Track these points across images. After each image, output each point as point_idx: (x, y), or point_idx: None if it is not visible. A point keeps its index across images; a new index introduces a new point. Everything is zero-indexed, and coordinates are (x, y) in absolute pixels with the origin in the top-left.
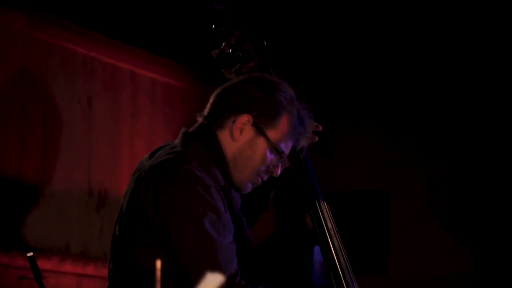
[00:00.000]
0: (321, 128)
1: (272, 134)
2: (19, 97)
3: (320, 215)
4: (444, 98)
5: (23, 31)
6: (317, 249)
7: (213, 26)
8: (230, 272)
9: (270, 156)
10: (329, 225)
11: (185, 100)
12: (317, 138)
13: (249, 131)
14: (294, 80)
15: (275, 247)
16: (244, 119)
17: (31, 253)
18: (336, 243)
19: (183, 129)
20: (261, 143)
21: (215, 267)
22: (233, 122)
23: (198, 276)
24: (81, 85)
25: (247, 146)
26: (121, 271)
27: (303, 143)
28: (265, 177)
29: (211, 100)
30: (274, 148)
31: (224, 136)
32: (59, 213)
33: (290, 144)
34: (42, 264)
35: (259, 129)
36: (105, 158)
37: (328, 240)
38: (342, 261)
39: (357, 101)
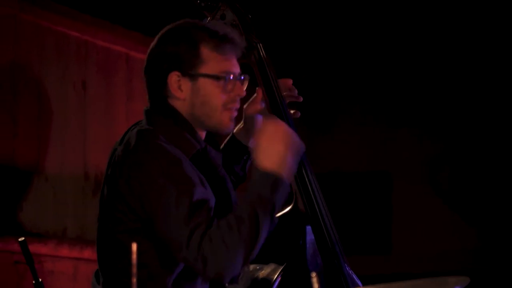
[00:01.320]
0: (301, 99)
1: (205, 68)
2: (11, 81)
3: (312, 195)
4: (444, 74)
5: (14, 14)
6: (309, 228)
7: (199, 0)
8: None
9: (221, 87)
10: (320, 205)
11: None
12: (299, 113)
13: (186, 83)
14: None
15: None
16: (173, 77)
17: (23, 238)
18: (327, 223)
19: (144, 108)
20: (203, 84)
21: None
22: (168, 85)
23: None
24: (75, 68)
25: (195, 96)
26: (109, 256)
27: (241, 51)
28: (236, 105)
29: (144, 77)
30: (217, 78)
31: (174, 101)
32: (54, 198)
33: (232, 62)
34: (38, 248)
35: (191, 74)
36: (100, 141)
37: (319, 220)
38: (333, 240)
39: (357, 80)
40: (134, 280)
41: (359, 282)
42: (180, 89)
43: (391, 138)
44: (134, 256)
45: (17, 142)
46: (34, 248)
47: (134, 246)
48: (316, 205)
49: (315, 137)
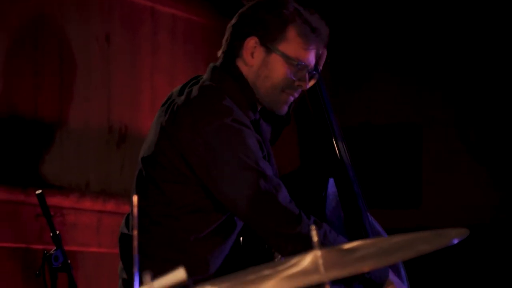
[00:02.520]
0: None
1: (284, 47)
2: (34, 35)
3: (335, 147)
4: (480, 34)
5: None
6: (331, 181)
7: None
8: (279, 200)
9: (289, 71)
10: (344, 158)
11: (206, 35)
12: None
13: (260, 52)
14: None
15: (295, 179)
16: (251, 42)
17: (40, 191)
18: (351, 176)
19: (211, 64)
20: (275, 60)
21: (263, 198)
22: (243, 48)
23: (251, 209)
24: (98, 22)
25: (263, 67)
26: (147, 203)
27: (322, 47)
28: (295, 94)
29: (226, 33)
30: (290, 60)
31: (242, 65)
32: (77, 150)
33: (310, 56)
34: (60, 201)
35: (268, 47)
36: (125, 94)
37: (342, 172)
38: (356, 193)
39: (391, 33)
40: (135, 232)
41: (384, 234)
42: (252, 56)
43: (422, 92)
44: (135, 209)
45: (40, 95)
46: (57, 201)
47: (135, 199)
48: (339, 157)
49: (347, 89)
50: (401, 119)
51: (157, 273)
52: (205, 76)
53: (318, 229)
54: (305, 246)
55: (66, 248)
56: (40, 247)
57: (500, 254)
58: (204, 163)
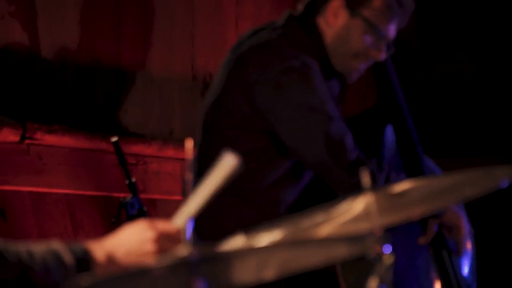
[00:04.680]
0: None
1: (367, 13)
2: None
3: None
4: None
5: None
6: (389, 129)
7: None
8: (346, 145)
9: (368, 39)
10: (402, 105)
11: None
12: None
13: (343, 15)
14: None
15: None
16: (337, 2)
17: (116, 138)
18: (409, 123)
19: (288, 12)
20: (357, 25)
21: (332, 142)
22: (328, 8)
23: (318, 153)
24: None
25: (344, 31)
26: (211, 150)
27: (404, 21)
28: (368, 62)
29: None
30: (372, 28)
31: (322, 23)
32: (160, 99)
33: (391, 28)
34: (143, 149)
35: (353, 10)
36: (209, 42)
37: (401, 120)
38: (414, 140)
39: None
40: (190, 176)
41: None
42: (335, 16)
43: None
44: (189, 153)
45: (123, 44)
46: (139, 149)
47: (189, 144)
48: (398, 105)
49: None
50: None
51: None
52: (279, 22)
53: (380, 173)
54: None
55: (149, 196)
56: (121, 195)
57: None
58: (272, 106)
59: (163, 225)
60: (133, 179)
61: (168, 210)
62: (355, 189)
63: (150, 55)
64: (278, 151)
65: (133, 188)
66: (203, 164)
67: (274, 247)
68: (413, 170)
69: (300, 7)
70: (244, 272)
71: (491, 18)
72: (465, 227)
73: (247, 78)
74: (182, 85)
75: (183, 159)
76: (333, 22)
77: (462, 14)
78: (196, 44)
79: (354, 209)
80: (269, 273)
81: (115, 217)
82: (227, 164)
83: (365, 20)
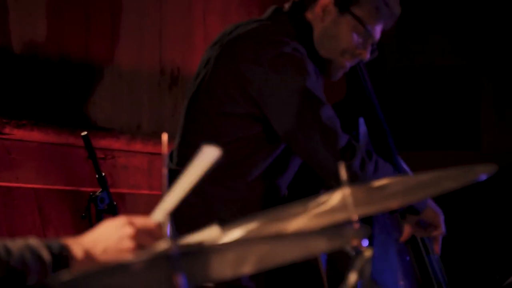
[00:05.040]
0: None
1: (357, 12)
2: None
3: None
4: None
5: None
6: (361, 120)
7: None
8: (337, 131)
9: (356, 37)
10: (373, 97)
11: None
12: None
13: (333, 12)
14: None
15: None
16: (327, 0)
17: (85, 132)
18: (380, 115)
19: (274, 7)
20: (345, 22)
21: (323, 128)
22: (317, 4)
23: (309, 139)
24: None
25: (331, 26)
26: (195, 136)
27: (390, 24)
28: (354, 61)
29: None
30: (361, 26)
31: (311, 18)
32: (128, 92)
33: (378, 28)
34: (111, 143)
35: (343, 8)
36: (177, 36)
37: (372, 111)
38: (386, 131)
39: None
40: (165, 170)
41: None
42: (323, 13)
43: (481, 34)
44: (165, 147)
45: (91, 38)
46: (107, 143)
47: (165, 137)
48: (368, 96)
49: (406, 33)
50: (459, 61)
51: (205, 211)
52: (265, 15)
53: (370, 160)
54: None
55: (118, 190)
56: (89, 189)
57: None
58: (264, 92)
59: (142, 221)
60: (103, 174)
61: (136, 204)
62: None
63: (119, 49)
64: (268, 138)
65: (103, 182)
66: (189, 151)
67: (252, 240)
68: (386, 160)
69: (287, 5)
70: (222, 267)
71: (464, 10)
72: (443, 226)
73: (237, 65)
74: (150, 79)
75: (151, 153)
76: (322, 18)
77: (434, 5)
78: (164, 38)
79: (331, 201)
80: (247, 268)
81: (84, 211)
82: (206, 156)
83: (355, 18)
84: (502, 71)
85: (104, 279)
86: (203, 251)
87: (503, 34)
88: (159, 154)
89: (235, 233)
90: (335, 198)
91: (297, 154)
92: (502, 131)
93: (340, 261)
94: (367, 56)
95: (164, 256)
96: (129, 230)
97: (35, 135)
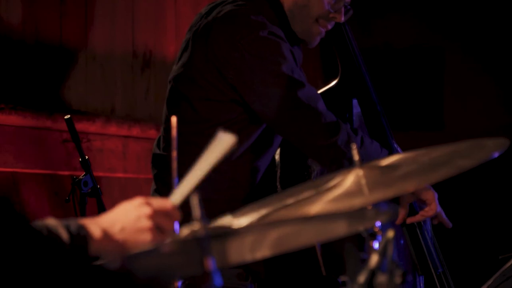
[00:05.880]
0: None
1: None
2: None
3: (358, 68)
4: None
5: None
6: (355, 102)
7: None
8: (319, 109)
9: (327, 2)
10: (366, 78)
11: None
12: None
13: None
14: None
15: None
16: None
17: (68, 116)
18: (373, 96)
19: None
20: None
21: (303, 108)
22: None
23: (290, 120)
24: None
25: None
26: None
27: None
28: (329, 26)
29: None
30: None
31: None
32: (103, 76)
33: None
34: (86, 127)
35: None
36: (149, 19)
37: (366, 93)
38: (380, 112)
39: None
40: (175, 153)
41: None
42: None
43: (444, 14)
44: (174, 130)
45: (65, 22)
46: (83, 126)
47: (174, 120)
48: (362, 78)
49: (368, 13)
50: (422, 42)
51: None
52: None
53: (356, 136)
54: (345, 155)
55: (93, 173)
56: (67, 173)
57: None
58: (241, 75)
59: (159, 202)
60: (86, 157)
61: (111, 187)
62: (329, 154)
63: (92, 32)
64: (249, 119)
65: (86, 165)
66: (167, 133)
67: (273, 224)
68: (380, 141)
69: None
70: (241, 250)
71: None
72: (437, 204)
73: (214, 50)
74: (123, 62)
75: (125, 136)
76: None
77: None
78: (136, 21)
79: (344, 183)
80: (265, 251)
81: (68, 195)
82: (222, 142)
83: None
84: (464, 50)
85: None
86: (230, 233)
87: (465, 14)
88: (134, 137)
89: (249, 218)
90: (348, 180)
91: (283, 137)
92: (465, 111)
93: (335, 242)
94: (342, 18)
95: (196, 239)
96: (146, 210)
97: (12, 119)
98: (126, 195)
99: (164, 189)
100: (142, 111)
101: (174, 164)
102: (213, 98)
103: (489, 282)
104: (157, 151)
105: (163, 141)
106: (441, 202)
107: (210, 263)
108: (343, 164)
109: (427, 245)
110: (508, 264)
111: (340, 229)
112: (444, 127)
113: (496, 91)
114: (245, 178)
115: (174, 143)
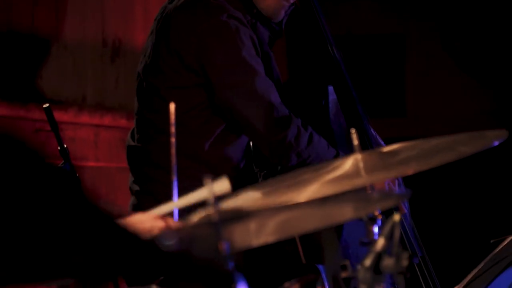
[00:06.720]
0: None
1: None
2: None
3: (332, 54)
4: None
5: None
6: (330, 88)
7: None
8: (272, 101)
9: None
10: (341, 65)
11: None
12: None
13: None
14: None
15: (291, 90)
16: None
17: (47, 104)
18: (349, 82)
19: None
20: None
21: (258, 97)
22: None
23: (244, 107)
24: None
25: None
26: (148, 112)
27: None
28: (291, 0)
29: None
30: None
31: None
32: (74, 65)
33: None
34: (59, 116)
35: None
36: (118, 8)
37: (341, 79)
38: (355, 99)
39: None
40: (173, 139)
41: (381, 142)
42: None
43: (404, 0)
44: (173, 116)
45: (37, 11)
46: (56, 115)
47: (172, 106)
48: (337, 65)
49: (329, 0)
50: (383, 29)
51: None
52: None
53: (306, 131)
54: (294, 150)
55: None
56: None
57: (489, 163)
58: (201, 62)
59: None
60: (65, 145)
61: (83, 176)
62: (278, 147)
63: (64, 21)
64: (216, 107)
65: (65, 154)
66: (146, 129)
67: (276, 208)
68: (356, 127)
69: None
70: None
71: None
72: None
73: (175, 37)
74: (93, 51)
75: (97, 125)
76: None
77: None
78: (106, 10)
79: (343, 166)
80: (269, 236)
81: None
82: (217, 187)
83: None
84: (425, 37)
85: None
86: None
87: (426, 0)
88: (105, 126)
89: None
90: (347, 163)
91: (238, 123)
92: (426, 97)
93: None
94: None
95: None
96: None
97: None
98: (98, 184)
99: (141, 181)
100: (113, 100)
101: (173, 150)
102: (178, 85)
103: (480, 266)
104: (132, 143)
105: (137, 132)
106: (434, 187)
107: (225, 248)
108: (291, 158)
109: (405, 231)
110: (498, 249)
111: (346, 213)
112: (406, 114)
113: (457, 78)
114: (220, 163)
115: (173, 129)
